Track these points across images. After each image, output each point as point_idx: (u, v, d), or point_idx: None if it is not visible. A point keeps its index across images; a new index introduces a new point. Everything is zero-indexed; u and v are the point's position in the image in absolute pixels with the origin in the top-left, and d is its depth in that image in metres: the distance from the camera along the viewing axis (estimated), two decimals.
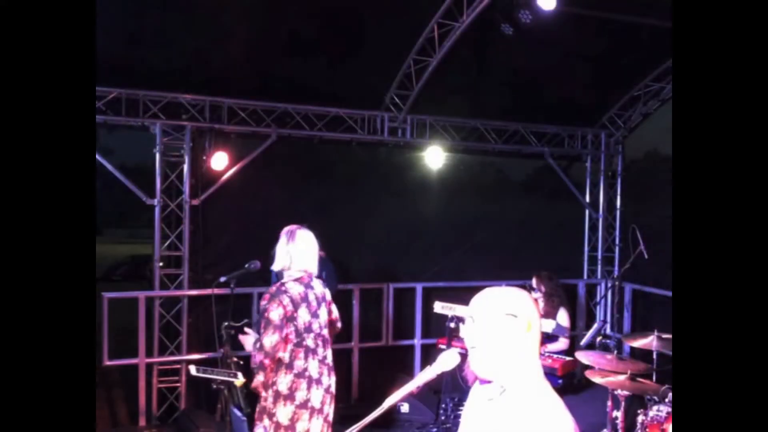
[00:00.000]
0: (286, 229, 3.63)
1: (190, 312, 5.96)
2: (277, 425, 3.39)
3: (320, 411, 3.50)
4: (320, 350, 3.55)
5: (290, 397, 3.41)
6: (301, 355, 3.45)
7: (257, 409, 3.50)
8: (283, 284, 3.49)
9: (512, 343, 1.81)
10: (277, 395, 3.40)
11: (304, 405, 3.43)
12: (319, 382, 3.50)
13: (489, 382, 1.87)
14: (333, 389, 3.62)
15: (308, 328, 3.49)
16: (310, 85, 6.22)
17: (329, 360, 3.62)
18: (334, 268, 5.62)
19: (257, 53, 5.74)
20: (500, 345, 1.81)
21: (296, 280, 3.52)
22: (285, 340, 3.40)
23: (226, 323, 3.84)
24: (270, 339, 3.35)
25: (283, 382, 3.41)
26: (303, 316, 3.47)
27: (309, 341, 3.48)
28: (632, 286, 7.29)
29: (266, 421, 3.41)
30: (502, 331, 1.81)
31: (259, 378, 3.46)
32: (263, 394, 3.47)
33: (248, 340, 3.58)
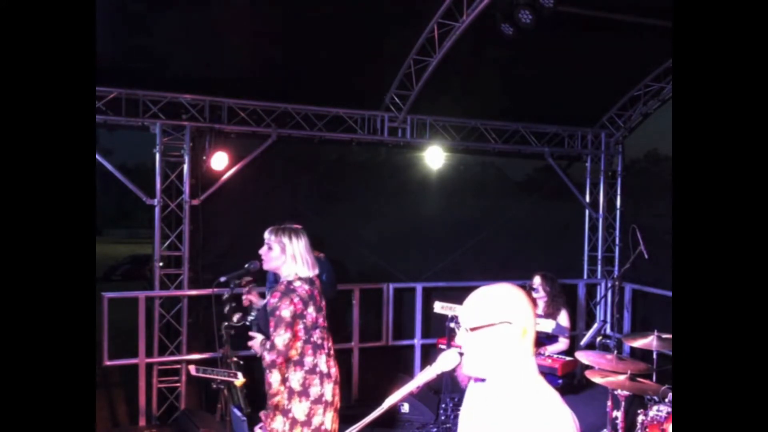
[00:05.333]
0: (279, 232, 3.54)
1: (190, 312, 5.96)
2: (294, 421, 3.39)
3: (332, 403, 3.52)
4: (326, 343, 3.57)
5: (304, 393, 3.41)
6: (310, 351, 3.46)
7: (268, 406, 3.48)
8: (290, 282, 3.47)
9: (507, 349, 1.79)
10: (291, 392, 3.40)
11: (318, 400, 3.44)
12: (329, 375, 3.52)
13: (483, 380, 1.87)
14: (338, 378, 3.64)
15: (314, 324, 3.50)
16: (310, 85, 6.22)
17: (332, 350, 3.63)
18: (333, 268, 5.62)
19: (257, 53, 5.75)
20: (495, 352, 1.79)
21: (302, 278, 3.52)
22: (295, 337, 3.40)
23: (226, 323, 3.84)
24: (282, 338, 3.33)
25: (295, 378, 3.41)
26: (311, 312, 3.48)
27: (316, 337, 3.50)
28: (632, 286, 7.29)
29: (280, 418, 3.40)
30: (496, 339, 1.79)
31: (276, 377, 3.41)
32: (274, 389, 3.44)
33: (256, 342, 3.55)
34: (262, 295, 4.40)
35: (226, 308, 3.79)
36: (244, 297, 3.94)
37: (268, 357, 3.38)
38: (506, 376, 1.80)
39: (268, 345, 3.39)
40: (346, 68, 6.09)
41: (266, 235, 3.58)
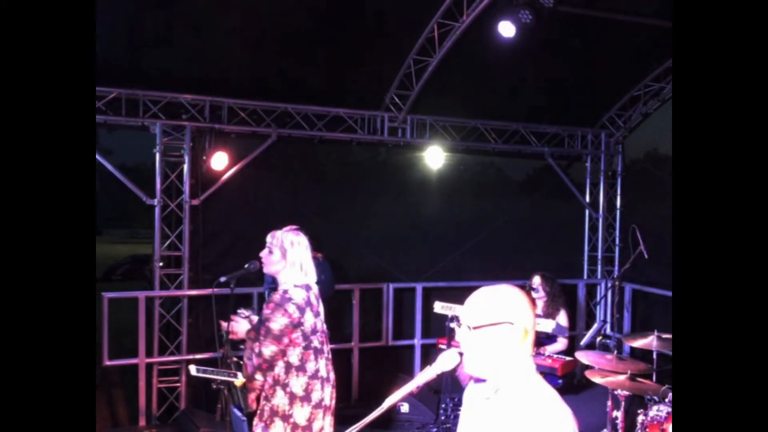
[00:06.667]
0: (282, 236, 3.52)
1: (190, 312, 5.96)
2: (295, 426, 3.38)
3: (329, 407, 3.52)
4: (325, 348, 3.56)
5: (306, 398, 3.40)
6: (311, 357, 3.44)
7: (264, 412, 3.47)
8: (286, 292, 3.44)
9: (508, 349, 1.80)
10: (293, 397, 3.39)
11: (319, 405, 3.44)
12: (328, 380, 3.53)
13: (483, 380, 1.87)
14: (335, 382, 3.65)
15: (314, 330, 3.48)
16: (310, 85, 6.22)
17: (330, 354, 3.64)
18: (332, 269, 5.61)
19: (257, 53, 5.75)
20: (495, 351, 1.81)
21: (298, 285, 3.50)
22: (290, 344, 3.39)
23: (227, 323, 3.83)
24: (268, 349, 3.34)
25: (297, 384, 3.39)
26: (309, 319, 3.45)
27: (315, 342, 3.48)
28: (632, 286, 7.29)
29: (279, 423, 3.39)
30: (497, 339, 1.80)
31: (258, 378, 3.43)
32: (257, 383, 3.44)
33: (241, 326, 3.54)
34: (261, 296, 4.39)
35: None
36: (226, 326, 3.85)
37: (254, 359, 3.39)
38: (506, 375, 1.81)
39: (256, 350, 3.39)
40: (346, 68, 6.10)
41: (268, 238, 3.56)
